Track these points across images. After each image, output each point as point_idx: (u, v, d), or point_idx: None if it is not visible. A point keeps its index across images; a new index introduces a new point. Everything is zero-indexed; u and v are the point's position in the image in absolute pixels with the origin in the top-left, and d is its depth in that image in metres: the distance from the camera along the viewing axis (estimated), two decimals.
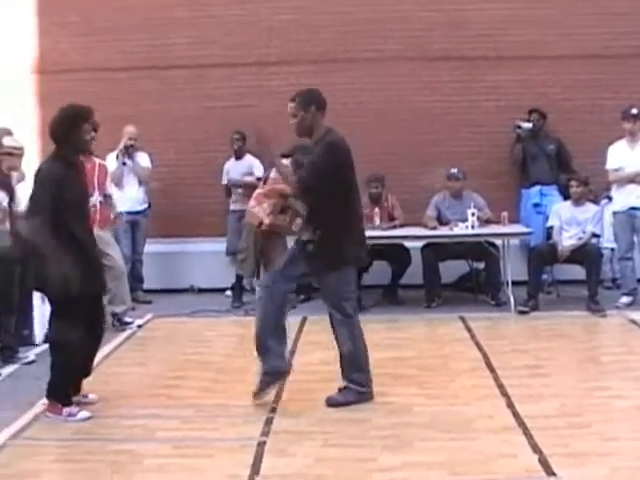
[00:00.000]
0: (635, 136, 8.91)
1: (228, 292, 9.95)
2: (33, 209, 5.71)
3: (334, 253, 5.80)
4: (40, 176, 5.72)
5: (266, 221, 8.43)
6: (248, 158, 10.21)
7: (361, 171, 10.30)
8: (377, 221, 9.36)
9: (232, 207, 10.22)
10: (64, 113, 5.77)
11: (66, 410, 5.75)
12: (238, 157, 10.24)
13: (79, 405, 5.83)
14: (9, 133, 8.49)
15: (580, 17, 10.32)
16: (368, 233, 8.93)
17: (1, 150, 6.97)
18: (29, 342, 7.62)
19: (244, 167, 10.19)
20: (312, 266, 5.89)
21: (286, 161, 8.65)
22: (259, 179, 9.98)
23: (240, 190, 10.08)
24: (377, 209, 9.42)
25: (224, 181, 10.30)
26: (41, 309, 7.52)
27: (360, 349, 5.99)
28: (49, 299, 5.99)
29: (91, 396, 6.10)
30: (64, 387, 5.83)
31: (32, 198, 5.74)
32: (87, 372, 6.04)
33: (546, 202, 9.88)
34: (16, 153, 7.74)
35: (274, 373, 5.92)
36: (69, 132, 5.69)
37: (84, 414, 5.76)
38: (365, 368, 6.01)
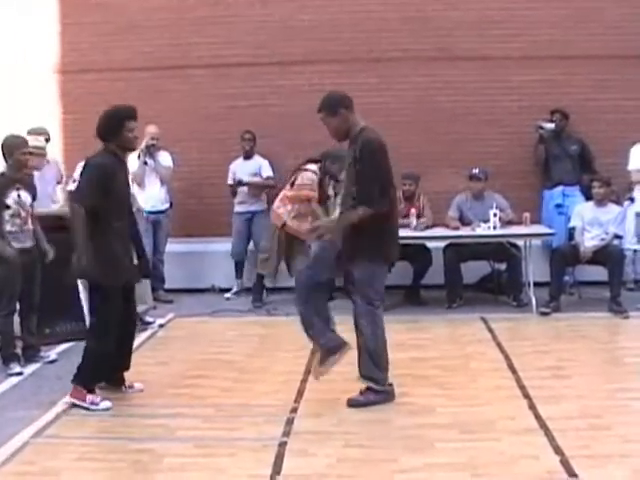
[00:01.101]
0: None
1: (228, 294, 9.99)
2: (76, 196, 6.03)
3: (375, 246, 5.78)
4: (89, 166, 6.00)
5: (289, 223, 8.51)
6: (257, 158, 10.20)
7: None
8: (414, 222, 9.27)
9: (238, 209, 10.19)
10: (110, 112, 6.06)
11: (90, 397, 5.90)
12: (247, 157, 10.23)
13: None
14: (39, 133, 8.58)
15: (603, 17, 10.26)
16: (404, 233, 9.07)
17: (24, 150, 7.01)
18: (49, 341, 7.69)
19: (252, 167, 10.17)
20: (349, 255, 5.84)
21: (314, 166, 8.69)
22: (267, 179, 10.04)
23: (246, 190, 10.08)
24: (414, 209, 9.36)
25: (229, 181, 10.26)
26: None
27: (380, 344, 5.99)
28: (89, 287, 6.14)
29: (137, 385, 6.33)
30: (92, 373, 6.01)
31: (79, 186, 6.10)
32: (126, 365, 6.28)
33: (568, 203, 9.83)
34: (38, 153, 7.81)
35: (332, 345, 5.93)
36: (115, 130, 5.96)
37: (106, 404, 5.90)
38: (383, 366, 5.99)
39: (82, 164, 6.24)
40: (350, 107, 5.91)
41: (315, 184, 8.66)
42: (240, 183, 10.04)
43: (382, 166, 5.83)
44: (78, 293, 7.77)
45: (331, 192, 8.63)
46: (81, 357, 6.04)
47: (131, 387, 6.31)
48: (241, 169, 10.17)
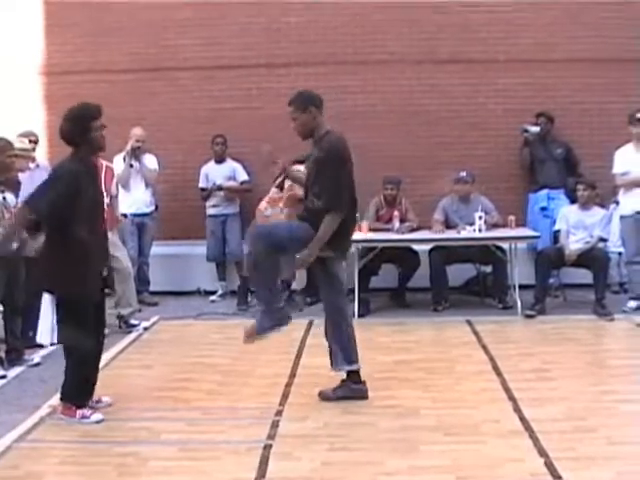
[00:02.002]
0: None
1: (213, 297, 9.99)
2: (36, 201, 5.60)
3: (341, 241, 5.96)
4: (56, 173, 5.72)
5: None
6: (229, 162, 10.19)
7: (369, 172, 10.38)
8: (396, 224, 9.31)
9: (211, 211, 10.20)
10: (73, 114, 5.71)
11: (80, 412, 5.74)
12: (219, 161, 10.23)
13: (92, 409, 5.81)
14: (27, 136, 8.55)
15: (588, 21, 10.30)
16: (387, 236, 9.04)
17: (9, 153, 6.97)
18: (34, 344, 7.63)
19: (226, 171, 10.17)
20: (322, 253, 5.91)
21: (301, 167, 8.69)
22: (243, 183, 10.03)
23: (222, 194, 10.07)
24: (397, 212, 9.40)
25: (202, 184, 10.25)
26: (48, 310, 7.52)
27: (350, 338, 6.05)
28: (56, 301, 5.97)
29: (105, 399, 6.06)
30: (78, 389, 5.81)
31: (40, 189, 5.66)
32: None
33: (553, 206, 9.87)
34: (22, 155, 7.77)
35: (269, 325, 5.85)
36: (81, 133, 5.63)
37: (97, 416, 5.75)
38: (353, 360, 6.04)
39: (52, 168, 6.01)
40: (320, 107, 5.97)
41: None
42: (220, 188, 10.04)
43: (347, 171, 5.91)
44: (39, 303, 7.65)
45: None
46: (64, 374, 5.81)
47: (99, 401, 6.01)
48: (215, 173, 10.17)
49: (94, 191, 5.81)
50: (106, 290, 6.17)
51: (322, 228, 5.79)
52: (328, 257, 5.96)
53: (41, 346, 7.65)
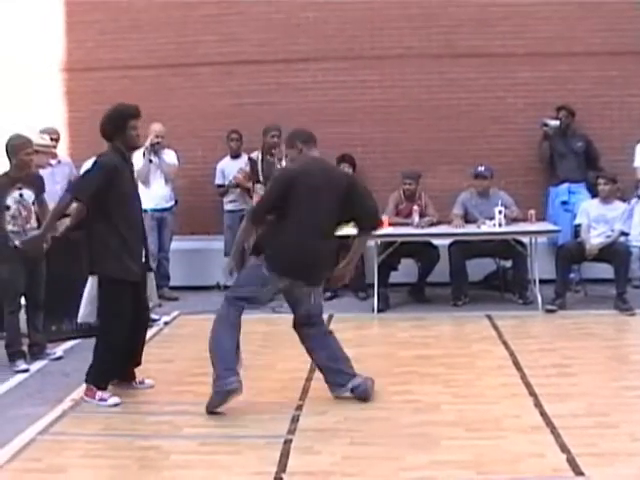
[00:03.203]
0: None
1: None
2: (78, 189, 6.07)
3: (275, 259, 5.98)
4: (97, 163, 6.07)
5: None
6: (245, 157, 10.17)
7: (387, 167, 10.37)
8: (416, 219, 9.31)
9: (229, 207, 10.25)
10: (113, 111, 6.14)
11: (99, 394, 5.96)
12: (234, 156, 10.24)
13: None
14: (48, 132, 8.59)
15: (609, 13, 10.23)
16: (407, 231, 9.02)
17: (28, 150, 7.02)
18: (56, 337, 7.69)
19: (243, 166, 10.15)
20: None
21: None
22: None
23: (239, 190, 10.08)
24: (416, 207, 9.40)
25: (218, 181, 10.29)
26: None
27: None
28: (99, 283, 6.12)
29: (147, 381, 6.40)
30: (102, 371, 6.05)
31: (83, 177, 6.25)
32: (137, 361, 6.35)
33: (574, 200, 9.81)
34: (42, 151, 7.82)
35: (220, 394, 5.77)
36: (118, 129, 6.05)
37: (115, 400, 5.96)
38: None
39: (91, 161, 6.31)
40: (308, 142, 6.05)
41: None
42: (237, 185, 10.05)
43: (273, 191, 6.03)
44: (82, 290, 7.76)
45: None
46: (92, 355, 6.08)
47: (142, 383, 6.36)
48: (231, 169, 10.17)
49: (130, 180, 6.21)
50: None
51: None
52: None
53: (64, 340, 7.71)
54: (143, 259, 6.28)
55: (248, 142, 10.22)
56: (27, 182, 7.08)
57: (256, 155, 9.76)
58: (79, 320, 6.22)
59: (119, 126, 6.04)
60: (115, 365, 6.11)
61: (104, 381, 6.06)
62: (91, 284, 6.04)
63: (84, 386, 6.08)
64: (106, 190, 5.89)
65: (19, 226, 6.98)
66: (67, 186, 6.32)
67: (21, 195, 7.02)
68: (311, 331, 6.07)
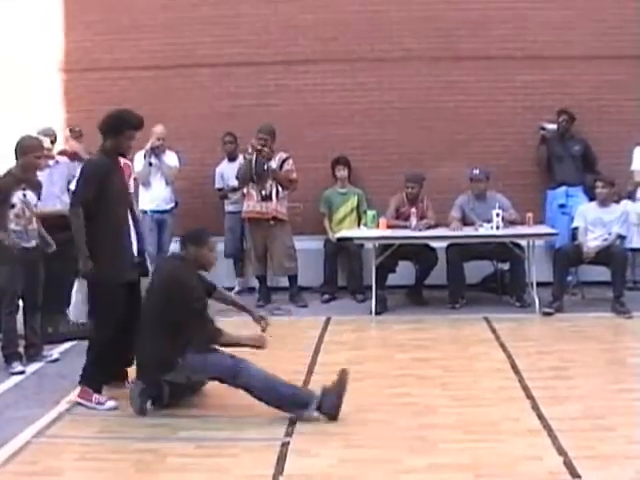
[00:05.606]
0: None
1: (231, 293, 9.99)
2: (73, 199, 6.16)
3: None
4: (85, 167, 6.16)
5: None
6: (241, 159, 10.15)
7: (387, 168, 10.36)
8: (414, 222, 9.31)
9: (230, 208, 10.25)
10: (118, 113, 6.19)
11: (96, 397, 5.94)
12: (231, 159, 10.23)
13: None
14: (47, 134, 8.58)
15: (608, 17, 10.24)
16: (405, 233, 9.02)
17: (38, 153, 7.06)
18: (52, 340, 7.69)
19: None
20: None
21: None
22: None
23: (238, 193, 10.05)
24: (414, 209, 9.40)
25: (218, 185, 10.29)
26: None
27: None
28: (88, 285, 6.16)
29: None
30: (96, 373, 6.03)
31: (77, 186, 6.26)
32: (128, 362, 6.22)
33: (572, 203, 9.81)
34: (47, 155, 7.83)
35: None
36: (115, 131, 6.07)
37: (111, 403, 5.93)
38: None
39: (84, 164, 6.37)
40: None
41: None
42: (235, 189, 10.05)
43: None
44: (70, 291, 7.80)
45: None
46: (85, 357, 6.07)
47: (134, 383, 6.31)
48: (229, 171, 10.14)
49: (119, 182, 6.21)
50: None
51: None
52: None
53: (60, 342, 7.70)
54: (136, 260, 6.30)
55: (245, 144, 10.19)
56: (31, 184, 7.11)
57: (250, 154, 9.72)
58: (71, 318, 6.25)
59: (116, 129, 6.06)
60: (108, 366, 6.08)
61: (97, 382, 6.03)
62: (79, 286, 6.05)
63: (78, 388, 6.06)
64: (95, 192, 5.91)
65: (22, 226, 6.99)
66: (71, 200, 6.28)
67: (25, 195, 7.03)
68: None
